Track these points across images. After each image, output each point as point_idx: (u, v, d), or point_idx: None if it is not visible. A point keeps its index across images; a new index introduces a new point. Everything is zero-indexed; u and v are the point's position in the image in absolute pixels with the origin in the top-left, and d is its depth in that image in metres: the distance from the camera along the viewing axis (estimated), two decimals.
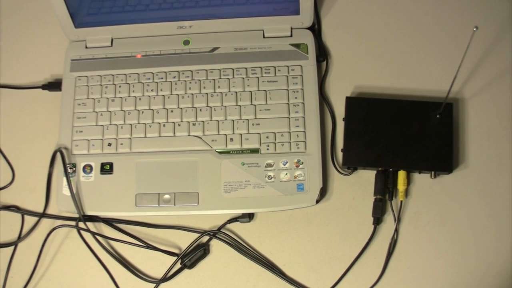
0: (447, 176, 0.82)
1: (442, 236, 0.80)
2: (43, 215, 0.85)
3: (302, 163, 0.82)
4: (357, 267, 0.80)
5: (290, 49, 0.87)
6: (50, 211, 0.85)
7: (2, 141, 0.89)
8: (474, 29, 0.65)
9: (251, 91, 0.85)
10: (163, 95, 0.86)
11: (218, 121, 0.84)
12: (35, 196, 0.86)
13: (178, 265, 0.81)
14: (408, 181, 0.81)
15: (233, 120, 0.84)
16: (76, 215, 0.82)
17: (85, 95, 0.87)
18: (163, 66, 0.88)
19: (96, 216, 0.83)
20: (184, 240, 0.82)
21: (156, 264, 0.82)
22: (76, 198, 0.82)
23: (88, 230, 0.82)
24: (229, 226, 0.83)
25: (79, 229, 0.82)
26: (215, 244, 0.83)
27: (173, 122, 0.85)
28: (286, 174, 0.81)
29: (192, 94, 0.86)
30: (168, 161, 0.83)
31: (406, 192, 0.81)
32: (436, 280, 0.78)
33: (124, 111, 0.86)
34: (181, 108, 0.85)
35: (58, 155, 0.84)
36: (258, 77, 0.86)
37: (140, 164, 0.83)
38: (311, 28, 0.89)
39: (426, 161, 0.80)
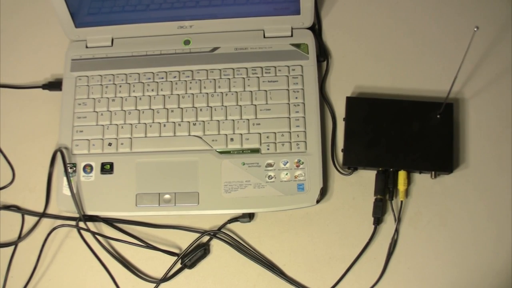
0: (448, 176, 0.82)
1: (442, 236, 0.80)
2: (43, 215, 0.85)
3: (303, 163, 0.82)
4: (357, 267, 0.80)
5: (290, 49, 0.87)
6: (50, 211, 0.85)
7: (2, 141, 0.89)
8: (475, 29, 0.64)
9: (251, 91, 0.85)
10: (164, 95, 0.86)
11: (218, 121, 0.84)
12: (35, 196, 0.86)
13: (179, 265, 0.81)
14: (409, 181, 0.81)
15: (233, 120, 0.84)
16: (76, 215, 0.82)
17: (86, 94, 0.87)
18: (164, 66, 0.88)
19: (97, 216, 0.83)
20: (185, 240, 0.82)
21: (156, 264, 0.82)
22: (76, 198, 0.82)
23: (88, 230, 0.82)
24: (229, 226, 0.83)
25: (79, 229, 0.82)
26: (215, 244, 0.83)
27: (174, 122, 0.85)
28: (287, 174, 0.81)
29: (193, 94, 0.86)
30: (168, 161, 0.83)
31: (407, 192, 0.81)
32: (436, 280, 0.78)
33: (125, 111, 0.86)
34: (182, 108, 0.85)
35: (59, 154, 0.84)
36: (258, 77, 0.86)
37: (141, 164, 0.83)
38: (311, 28, 0.89)
39: (427, 161, 0.80)
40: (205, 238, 0.83)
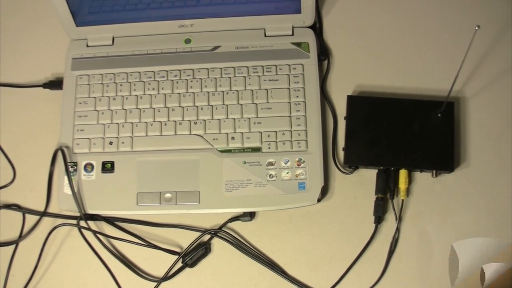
0: (449, 175, 0.82)
1: (443, 235, 0.80)
2: (44, 213, 0.85)
3: (304, 161, 0.82)
4: (358, 266, 0.80)
5: (291, 48, 0.87)
6: (51, 210, 0.85)
7: (3, 140, 0.89)
8: (476, 28, 0.64)
9: (252, 90, 0.85)
10: (164, 94, 0.86)
11: (219, 119, 0.84)
12: (36, 195, 0.86)
13: (180, 264, 0.81)
14: (410, 180, 0.81)
15: (234, 119, 0.84)
16: (77, 214, 0.82)
17: (86, 93, 0.87)
18: (164, 65, 0.88)
19: (98, 215, 0.83)
20: (186, 239, 0.82)
21: (157, 263, 0.82)
22: (77, 197, 0.82)
23: (89, 229, 0.82)
24: (230, 225, 0.83)
25: (80, 228, 0.82)
26: (216, 243, 0.83)
27: (174, 121, 0.85)
28: (288, 173, 0.81)
29: (194, 92, 0.86)
30: (169, 159, 0.83)
31: (407, 191, 0.81)
32: (437, 279, 0.78)
33: (125, 109, 0.86)
34: (183, 107, 0.85)
35: (59, 153, 0.84)
36: (259, 76, 0.86)
37: (141, 162, 0.83)
38: (312, 27, 0.89)
39: (428, 160, 0.80)
40: (206, 237, 0.83)
